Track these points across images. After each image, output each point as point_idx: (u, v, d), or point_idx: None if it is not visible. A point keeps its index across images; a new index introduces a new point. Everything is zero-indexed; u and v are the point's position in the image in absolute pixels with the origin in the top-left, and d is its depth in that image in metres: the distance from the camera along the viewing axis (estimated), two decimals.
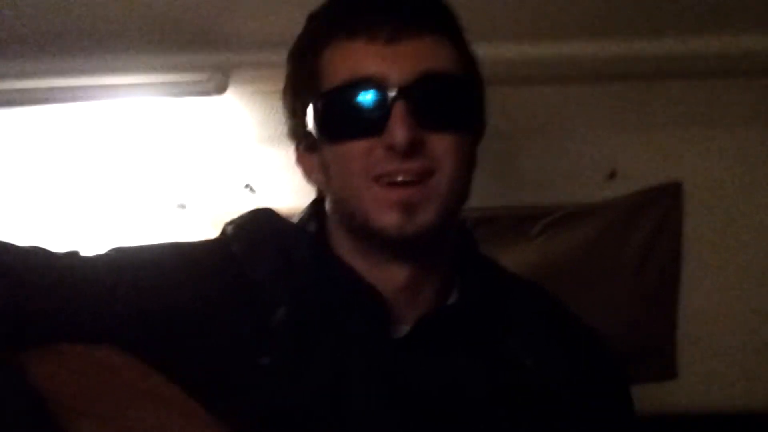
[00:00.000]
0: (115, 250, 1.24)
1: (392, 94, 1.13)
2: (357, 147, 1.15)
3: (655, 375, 2.07)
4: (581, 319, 1.34)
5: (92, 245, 1.56)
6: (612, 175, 2.05)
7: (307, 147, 1.25)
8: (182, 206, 1.92)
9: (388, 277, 1.21)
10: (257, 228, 1.29)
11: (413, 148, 1.13)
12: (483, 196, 2.00)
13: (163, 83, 1.74)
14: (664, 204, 2.07)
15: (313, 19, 1.24)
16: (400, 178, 1.14)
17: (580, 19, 1.72)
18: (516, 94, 1.92)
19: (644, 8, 1.67)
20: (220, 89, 1.73)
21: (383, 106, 1.13)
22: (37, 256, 1.19)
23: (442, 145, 1.15)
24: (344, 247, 1.24)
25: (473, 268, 1.29)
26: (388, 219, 1.15)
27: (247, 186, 1.91)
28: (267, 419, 1.12)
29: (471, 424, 1.17)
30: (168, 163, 1.95)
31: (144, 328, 1.16)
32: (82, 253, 1.23)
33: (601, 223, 2.05)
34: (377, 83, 1.14)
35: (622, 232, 2.05)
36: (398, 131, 1.12)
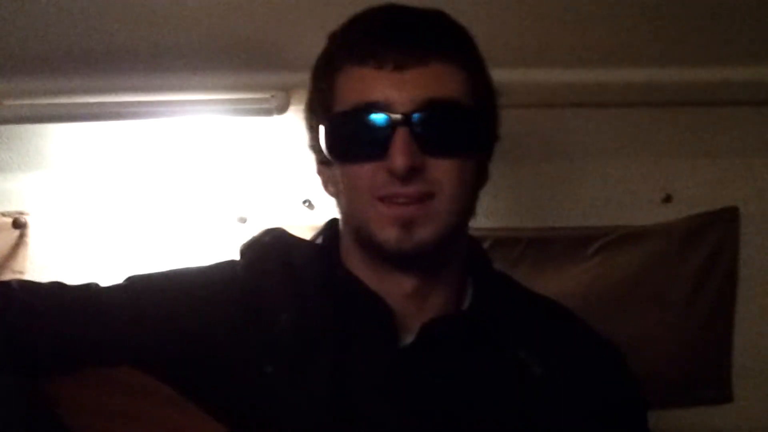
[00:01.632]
0: (130, 280, 1.30)
1: (396, 119, 1.16)
2: (363, 169, 1.19)
3: (710, 399, 2.06)
4: (600, 334, 1.34)
5: (156, 259, 1.59)
6: (668, 199, 2.04)
7: (321, 161, 1.29)
8: (243, 220, 1.96)
9: (394, 287, 1.24)
10: (264, 245, 1.33)
11: (413, 173, 1.16)
12: (539, 216, 2.04)
13: (227, 101, 1.78)
14: (720, 228, 2.06)
15: (332, 39, 1.28)
16: (400, 201, 1.18)
17: (640, 46, 1.73)
18: (575, 118, 1.93)
19: (701, 37, 1.68)
20: (282, 109, 1.77)
21: (387, 131, 1.16)
22: (55, 290, 1.26)
23: (442, 170, 1.19)
24: (353, 259, 1.27)
25: (484, 279, 1.31)
26: (387, 234, 1.19)
27: (305, 202, 1.95)
28: (270, 425, 1.15)
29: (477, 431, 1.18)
30: (230, 178, 1.98)
31: (160, 352, 1.21)
32: (100, 284, 1.29)
33: (657, 246, 2.04)
34: (382, 109, 1.17)
35: (678, 255, 2.04)
36: (398, 157, 1.15)
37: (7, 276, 1.88)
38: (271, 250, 1.32)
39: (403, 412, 1.18)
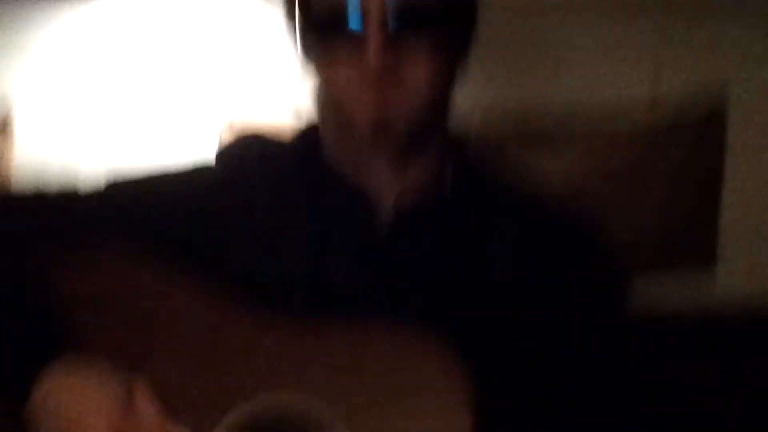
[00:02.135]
0: (107, 184, 1.31)
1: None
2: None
3: (694, 262, 2.12)
4: (574, 212, 1.37)
5: (141, 156, 1.59)
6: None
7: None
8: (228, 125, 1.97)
9: (372, 174, 1.25)
10: (240, 149, 1.35)
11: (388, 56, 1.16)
12: (530, 96, 2.04)
13: None
14: (708, 104, 2.08)
15: None
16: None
17: None
18: None
19: None
20: None
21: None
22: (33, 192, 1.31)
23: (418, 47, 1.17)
24: (330, 151, 1.28)
25: (462, 168, 1.32)
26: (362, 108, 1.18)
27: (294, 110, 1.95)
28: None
29: (448, 315, 1.21)
30: (217, 72, 1.98)
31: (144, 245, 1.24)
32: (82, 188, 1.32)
33: (645, 126, 2.07)
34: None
35: (667, 134, 2.07)
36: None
37: None
38: (249, 152, 1.34)
39: (381, 298, 1.21)
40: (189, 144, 1.98)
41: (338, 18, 1.19)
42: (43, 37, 1.94)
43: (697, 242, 2.12)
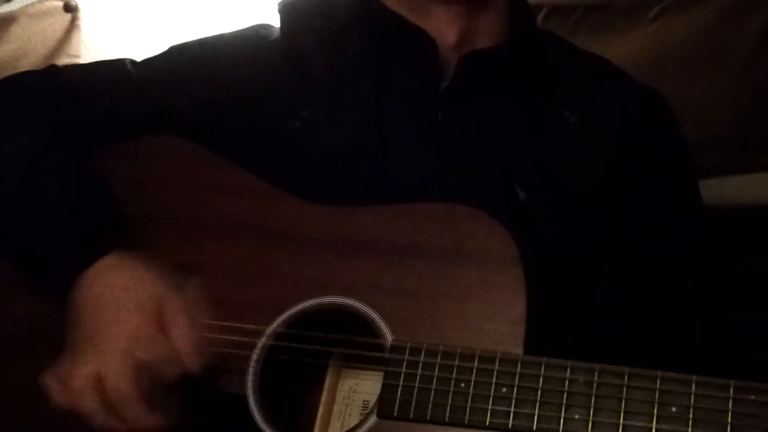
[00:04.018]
0: (169, 50, 1.35)
1: None
2: None
3: (759, 166, 2.03)
4: (646, 85, 1.35)
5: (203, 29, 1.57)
6: None
7: None
8: None
9: (436, 23, 1.23)
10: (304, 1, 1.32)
11: None
12: None
13: None
14: None
15: None
16: None
17: None
18: None
19: None
20: None
21: None
22: (100, 68, 1.35)
23: None
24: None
25: (526, 25, 1.31)
26: None
27: None
28: (309, 174, 1.21)
29: (506, 166, 1.21)
30: None
31: (197, 114, 1.27)
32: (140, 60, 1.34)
33: (719, 6, 1.97)
34: None
35: (741, 16, 1.96)
36: None
37: (63, 60, 1.90)
38: (312, 4, 1.30)
39: (443, 151, 1.22)
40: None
41: None
42: None
43: None
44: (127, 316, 1.06)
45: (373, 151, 1.20)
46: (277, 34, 1.32)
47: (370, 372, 1.15)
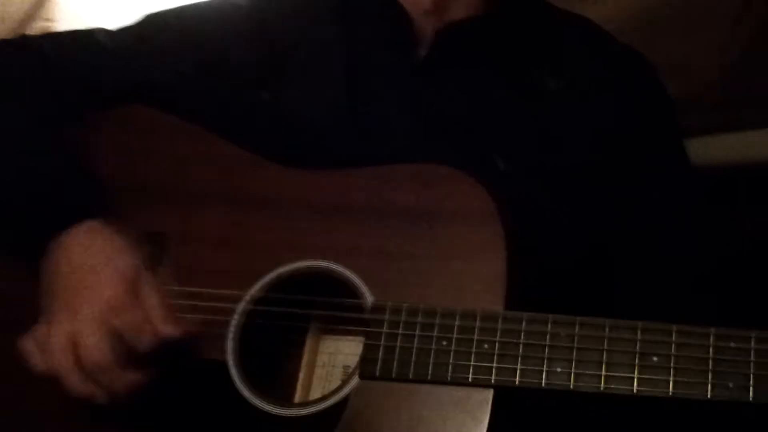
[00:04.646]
0: (145, 18, 1.34)
1: None
2: None
3: (750, 123, 2.01)
4: (626, 46, 1.32)
5: None
6: None
7: None
8: None
9: None
10: None
11: None
12: None
13: None
14: None
15: None
16: None
17: None
18: None
19: None
20: None
21: None
22: (77, 38, 1.33)
23: None
24: None
25: None
26: None
27: None
28: (285, 143, 1.19)
29: (485, 137, 1.18)
30: None
31: (170, 83, 1.27)
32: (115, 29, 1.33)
33: None
34: None
35: None
36: None
37: (38, 24, 1.87)
38: None
39: (419, 123, 1.20)
40: None
41: None
42: None
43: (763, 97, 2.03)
44: (105, 282, 1.06)
45: (348, 125, 1.19)
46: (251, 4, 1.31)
47: (350, 336, 1.14)
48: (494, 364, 1.02)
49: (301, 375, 1.14)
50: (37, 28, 1.84)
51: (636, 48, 1.33)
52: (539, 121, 1.21)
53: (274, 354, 1.15)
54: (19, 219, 1.15)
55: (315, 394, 1.13)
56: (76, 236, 1.10)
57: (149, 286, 1.07)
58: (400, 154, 1.17)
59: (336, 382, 1.11)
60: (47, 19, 1.90)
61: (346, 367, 1.14)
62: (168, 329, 1.05)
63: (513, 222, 1.08)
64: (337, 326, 1.15)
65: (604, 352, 0.99)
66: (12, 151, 1.19)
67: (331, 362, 1.15)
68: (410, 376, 1.04)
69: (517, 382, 1.01)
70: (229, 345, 1.10)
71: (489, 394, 1.02)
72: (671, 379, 0.96)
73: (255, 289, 1.11)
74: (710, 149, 1.93)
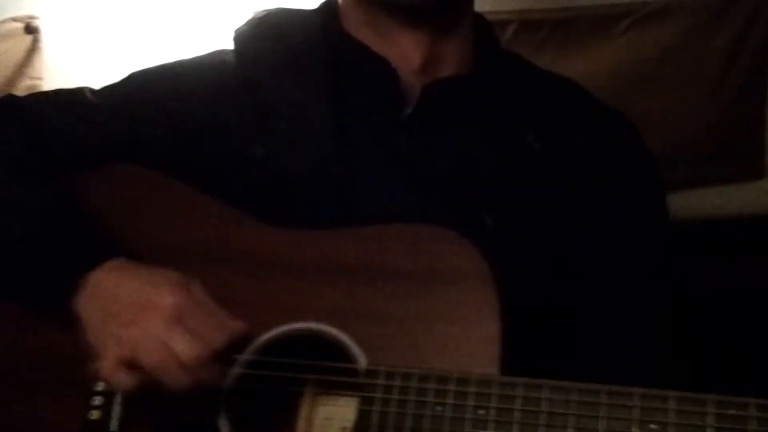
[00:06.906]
0: (130, 76, 1.33)
1: None
2: None
3: (740, 175, 2.04)
4: (609, 107, 1.33)
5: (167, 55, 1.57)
6: None
7: None
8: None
9: (400, 49, 1.22)
10: (257, 22, 1.32)
11: None
12: None
13: None
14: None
15: None
16: None
17: None
18: None
19: None
20: None
21: None
22: (63, 96, 1.32)
23: None
24: (355, 22, 1.25)
25: (489, 50, 1.30)
26: None
27: None
28: (271, 200, 1.19)
29: (472, 194, 1.19)
30: None
31: (158, 143, 1.25)
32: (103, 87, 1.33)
33: (687, 22, 1.97)
34: None
35: (709, 30, 1.97)
36: None
37: (25, 82, 1.88)
38: (269, 28, 1.30)
39: (408, 179, 1.20)
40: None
41: None
42: None
43: (742, 152, 2.05)
44: (163, 292, 1.05)
45: (338, 181, 1.18)
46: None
47: (346, 399, 1.12)
48: (491, 431, 1.00)
49: None
50: (24, 86, 1.84)
51: (618, 105, 1.34)
52: (521, 180, 1.21)
53: (269, 419, 1.13)
54: (42, 269, 1.13)
55: None
56: (110, 270, 1.10)
57: (201, 290, 1.07)
58: (389, 211, 1.16)
59: None
60: (34, 78, 1.90)
61: (342, 429, 1.12)
62: (239, 325, 1.06)
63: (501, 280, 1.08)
64: (330, 390, 1.13)
65: (604, 420, 0.98)
66: (10, 211, 1.18)
67: (327, 426, 1.13)
68: None
69: None
70: (222, 410, 1.08)
71: None
72: None
73: (247, 353, 1.10)
74: (693, 203, 1.95)
